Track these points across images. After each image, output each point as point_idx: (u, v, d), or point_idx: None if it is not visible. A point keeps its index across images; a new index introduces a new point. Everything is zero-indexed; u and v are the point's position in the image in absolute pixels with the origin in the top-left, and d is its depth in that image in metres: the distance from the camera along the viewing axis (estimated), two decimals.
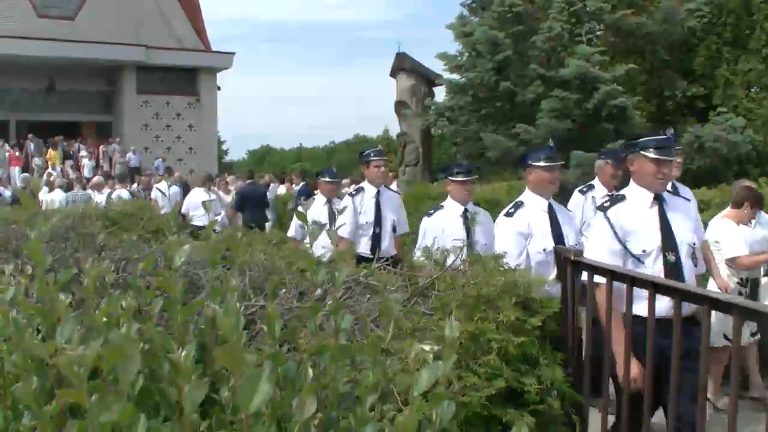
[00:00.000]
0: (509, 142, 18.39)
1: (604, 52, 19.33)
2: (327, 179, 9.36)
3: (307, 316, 2.03)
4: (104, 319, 2.00)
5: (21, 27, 34.11)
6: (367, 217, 8.21)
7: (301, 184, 17.52)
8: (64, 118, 36.66)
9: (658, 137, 4.59)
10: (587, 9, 19.58)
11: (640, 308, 3.82)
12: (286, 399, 1.68)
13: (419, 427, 1.58)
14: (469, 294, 3.59)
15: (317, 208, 8.75)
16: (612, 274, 3.99)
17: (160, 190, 16.60)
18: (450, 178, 6.79)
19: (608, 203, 4.67)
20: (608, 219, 4.51)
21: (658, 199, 4.55)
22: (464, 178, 6.67)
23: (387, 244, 8.14)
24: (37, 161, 28.16)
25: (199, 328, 2.15)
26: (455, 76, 21.43)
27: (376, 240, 8.12)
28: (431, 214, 6.85)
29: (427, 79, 24.22)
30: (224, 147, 68.58)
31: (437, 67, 23.18)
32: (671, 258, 4.42)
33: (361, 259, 6.77)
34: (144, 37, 36.88)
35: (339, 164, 58.13)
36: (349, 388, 1.82)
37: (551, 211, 5.55)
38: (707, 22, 23.39)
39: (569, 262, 4.21)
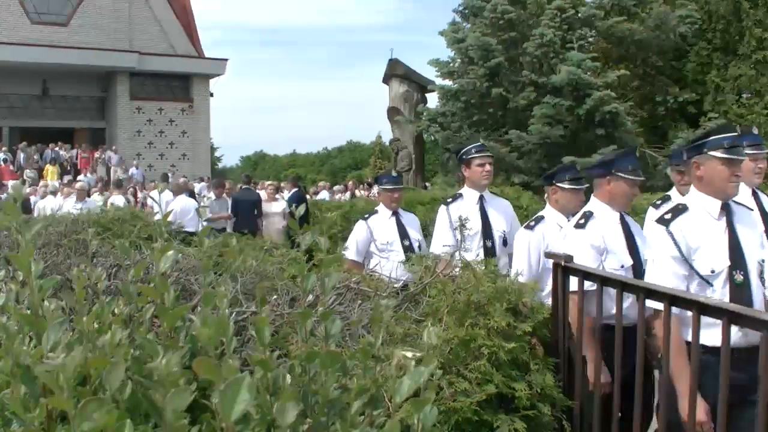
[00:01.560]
0: (501, 148, 18.41)
1: (596, 59, 19.39)
2: (388, 186, 7.44)
3: (297, 322, 2.04)
4: (95, 325, 2.01)
5: (14, 33, 34.16)
6: (471, 228, 6.19)
7: (293, 190, 17.35)
8: (57, 125, 36.65)
9: (729, 134, 4.00)
10: (579, 15, 19.64)
11: (706, 337, 3.43)
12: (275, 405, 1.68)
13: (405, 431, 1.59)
14: (459, 300, 3.60)
15: (382, 224, 7.10)
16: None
17: (152, 198, 16.46)
18: (559, 184, 5.71)
19: (670, 215, 4.01)
20: (672, 234, 3.91)
21: (726, 209, 3.99)
22: (578, 186, 5.72)
23: (504, 262, 6.11)
24: (29, 173, 28.03)
25: (191, 334, 2.15)
26: (448, 83, 21.45)
27: (489, 255, 6.09)
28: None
29: (420, 86, 24.25)
30: (217, 153, 68.56)
31: (430, 73, 23.18)
32: (738, 278, 3.84)
33: None
34: (137, 44, 36.90)
35: (332, 170, 58.17)
36: (339, 393, 1.82)
37: (624, 223, 4.89)
38: (698, 29, 23.49)
39: (560, 268, 4.22)
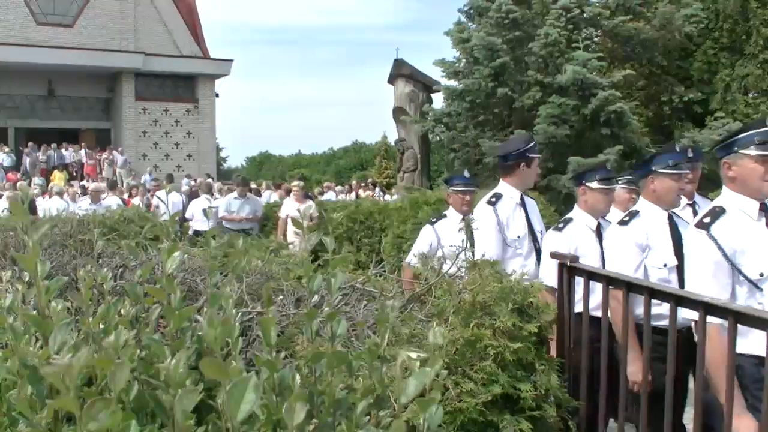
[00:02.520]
0: None
1: (602, 58, 19.39)
2: (459, 187, 6.98)
3: (303, 323, 2.04)
4: (101, 325, 2.01)
5: (20, 34, 34.27)
6: (517, 230, 5.82)
7: None
8: (62, 125, 36.81)
9: (760, 129, 3.81)
10: (584, 15, 19.64)
11: (748, 345, 3.34)
12: (282, 405, 1.68)
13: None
14: (465, 300, 3.60)
15: (451, 228, 6.60)
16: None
17: (160, 198, 16.39)
18: (588, 184, 5.58)
19: (708, 219, 3.79)
20: (714, 238, 3.69)
21: (764, 209, 3.79)
22: (608, 187, 5.60)
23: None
24: (37, 181, 27.94)
25: (197, 335, 2.16)
26: (453, 83, 21.47)
27: (539, 258, 5.72)
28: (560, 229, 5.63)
29: (425, 86, 24.27)
30: (223, 154, 68.60)
31: (435, 73, 23.21)
32: None
33: None
34: (142, 45, 36.97)
35: (338, 171, 58.16)
36: (345, 394, 1.82)
37: (672, 222, 4.73)
38: (704, 28, 23.49)
39: (565, 268, 4.21)
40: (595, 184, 5.46)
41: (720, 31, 26.28)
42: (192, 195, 17.76)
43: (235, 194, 14.52)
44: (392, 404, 2.49)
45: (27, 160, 31.14)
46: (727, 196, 3.89)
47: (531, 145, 5.86)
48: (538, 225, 5.86)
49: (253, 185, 19.89)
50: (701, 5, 22.47)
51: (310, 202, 13.30)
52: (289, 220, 12.44)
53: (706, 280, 3.67)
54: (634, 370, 4.18)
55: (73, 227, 5.55)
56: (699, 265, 3.77)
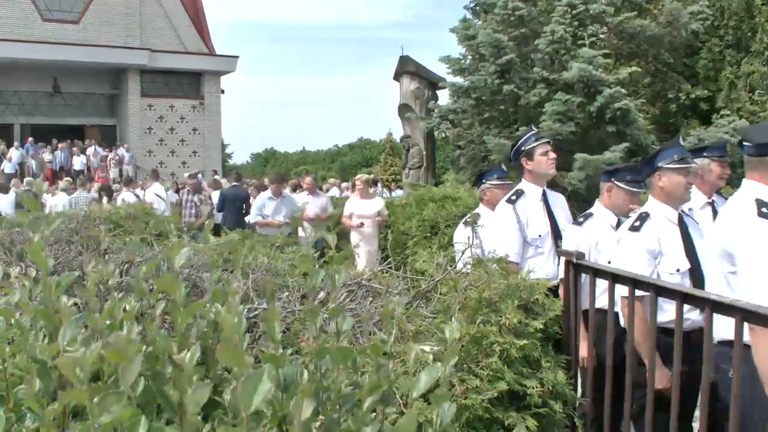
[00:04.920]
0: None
1: (608, 55, 19.34)
2: (495, 182, 6.86)
3: (308, 319, 2.04)
4: (107, 321, 2.02)
5: (25, 30, 34.30)
6: (538, 228, 5.64)
7: None
8: (68, 122, 36.87)
9: None
10: (590, 12, 19.57)
11: None
12: (287, 401, 1.69)
13: (420, 429, 1.59)
14: (471, 297, 3.60)
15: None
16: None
17: (158, 195, 16.25)
18: (618, 182, 5.45)
19: (766, 209, 3.60)
20: None
21: None
22: (636, 189, 5.46)
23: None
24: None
25: (201, 331, 2.16)
26: (459, 79, 21.43)
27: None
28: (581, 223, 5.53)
29: (431, 83, 24.23)
30: (228, 150, 68.66)
31: (441, 70, 23.18)
32: None
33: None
34: (148, 41, 36.99)
35: (343, 167, 58.16)
36: (350, 390, 1.82)
37: (682, 224, 4.64)
38: (710, 25, 23.42)
39: (571, 265, 4.21)
40: (623, 184, 5.38)
41: (726, 29, 26.29)
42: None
43: (268, 194, 12.51)
44: (398, 401, 2.49)
45: (33, 163, 31.10)
46: (757, 188, 3.73)
47: (523, 139, 5.83)
48: (565, 223, 5.73)
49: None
50: (707, 2, 22.41)
51: (378, 199, 12.27)
52: (354, 219, 11.57)
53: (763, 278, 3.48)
54: (661, 377, 4.12)
55: (79, 223, 5.57)
56: (761, 259, 3.53)
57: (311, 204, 12.65)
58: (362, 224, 11.49)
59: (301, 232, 8.83)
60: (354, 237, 11.64)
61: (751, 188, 3.77)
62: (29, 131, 34.99)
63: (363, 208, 11.67)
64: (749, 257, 3.60)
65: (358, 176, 12.70)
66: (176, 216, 11.94)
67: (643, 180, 5.04)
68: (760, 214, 3.61)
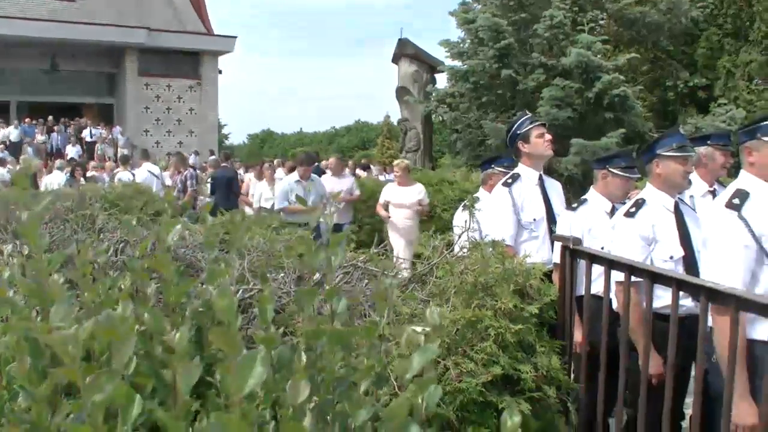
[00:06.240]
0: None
1: (607, 41, 19.33)
2: (502, 169, 7.03)
3: (303, 301, 2.03)
4: (99, 299, 2.00)
5: (24, 8, 34.11)
6: (533, 212, 5.67)
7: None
8: (65, 100, 36.71)
9: None
10: None
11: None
12: (281, 383, 1.68)
13: (411, 410, 1.58)
14: (467, 281, 3.59)
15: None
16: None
17: (153, 173, 16.07)
18: (612, 169, 5.45)
19: (737, 200, 3.74)
20: (745, 219, 3.65)
21: None
22: (630, 175, 5.48)
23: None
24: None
25: (196, 310, 2.15)
26: (457, 63, 21.41)
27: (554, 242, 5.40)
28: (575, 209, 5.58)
29: (429, 66, 24.21)
30: (225, 131, 68.53)
31: (440, 53, 23.16)
32: None
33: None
34: (146, 20, 36.80)
35: (340, 149, 58.09)
36: (345, 372, 1.82)
37: (678, 211, 4.64)
38: (709, 13, 23.40)
39: (567, 250, 4.21)
40: (618, 170, 5.40)
41: (725, 17, 26.24)
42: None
43: (295, 177, 11.23)
44: (392, 383, 2.49)
45: (30, 150, 30.89)
46: (747, 180, 3.85)
47: (518, 123, 5.84)
48: (560, 208, 5.74)
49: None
50: None
51: (417, 186, 11.13)
52: (392, 208, 10.80)
53: (731, 263, 3.63)
54: (654, 363, 4.12)
55: (75, 202, 5.55)
56: (725, 246, 3.70)
57: (336, 186, 11.65)
58: (389, 217, 10.79)
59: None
60: (391, 228, 10.80)
61: (741, 179, 3.90)
62: (26, 109, 34.89)
63: (401, 196, 10.82)
64: (712, 246, 3.81)
65: (397, 161, 11.69)
66: (170, 195, 11.86)
67: (637, 166, 5.05)
68: (728, 204, 3.74)
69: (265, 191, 13.59)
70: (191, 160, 24.43)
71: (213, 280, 2.09)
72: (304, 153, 12.90)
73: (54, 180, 16.31)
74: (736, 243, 3.64)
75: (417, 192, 10.86)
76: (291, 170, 15.37)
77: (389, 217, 10.80)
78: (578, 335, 4.50)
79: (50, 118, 33.21)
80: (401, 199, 10.75)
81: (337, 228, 9.93)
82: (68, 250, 2.23)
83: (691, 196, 5.70)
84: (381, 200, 11.02)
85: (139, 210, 6.32)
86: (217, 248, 2.65)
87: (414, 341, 1.71)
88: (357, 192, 12.28)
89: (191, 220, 5.12)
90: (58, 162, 18.93)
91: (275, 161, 20.41)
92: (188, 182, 15.03)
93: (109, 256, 3.68)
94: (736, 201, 3.73)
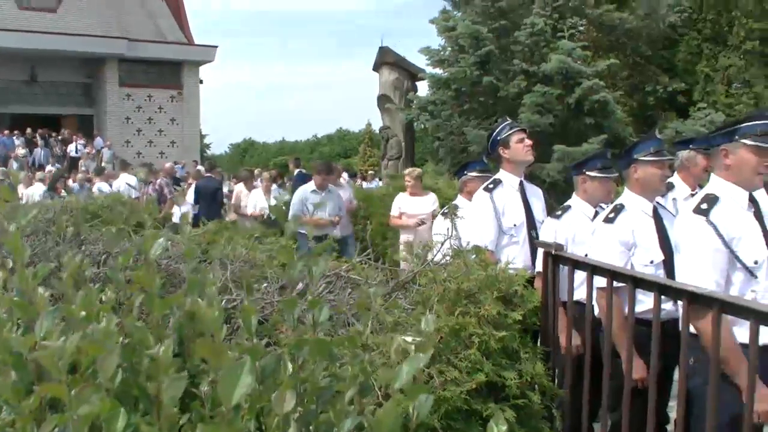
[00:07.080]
0: None
1: (586, 47, 19.40)
2: (477, 173, 7.01)
3: (286, 310, 2.03)
4: (83, 313, 2.00)
5: (2, 19, 33.93)
6: (514, 218, 5.70)
7: (296, 171, 16.20)
8: (45, 111, 36.48)
9: (762, 121, 3.80)
10: (570, 4, 19.63)
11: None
12: (265, 393, 1.68)
13: (398, 420, 1.59)
14: (450, 288, 3.60)
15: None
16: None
17: (130, 185, 15.96)
18: (589, 173, 5.47)
19: (705, 205, 3.79)
20: (713, 224, 3.69)
21: (752, 200, 3.83)
22: (608, 175, 5.47)
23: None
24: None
25: (178, 322, 2.14)
26: (438, 71, 21.43)
27: (535, 250, 5.38)
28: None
29: (410, 74, 24.20)
30: (206, 141, 68.37)
31: (420, 61, 23.14)
32: None
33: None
34: (126, 30, 36.70)
35: (322, 157, 58.09)
36: (328, 382, 1.82)
37: (657, 216, 4.65)
38: (688, 18, 23.55)
39: (550, 256, 4.22)
40: (594, 173, 5.40)
41: (703, 22, 26.42)
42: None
43: (311, 186, 10.61)
44: (376, 392, 2.49)
45: (15, 164, 30.58)
46: (718, 184, 3.89)
47: (498, 129, 5.88)
48: (540, 214, 5.78)
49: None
50: None
51: (431, 196, 10.38)
52: (405, 219, 9.92)
53: (703, 267, 3.67)
54: (637, 368, 4.10)
55: (56, 214, 5.52)
56: (696, 251, 3.75)
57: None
58: (422, 222, 9.68)
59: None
60: (404, 239, 9.65)
61: (711, 183, 3.97)
62: (7, 120, 34.65)
63: (415, 207, 10.00)
64: (683, 251, 3.88)
65: (409, 170, 10.77)
66: (150, 206, 11.81)
67: (614, 166, 5.14)
68: (696, 210, 3.80)
69: (260, 201, 13.45)
70: (179, 173, 24.32)
71: (194, 291, 2.09)
72: (322, 162, 12.31)
73: (34, 192, 16.23)
74: (706, 248, 3.69)
75: (431, 202, 10.12)
76: (274, 180, 15.30)
77: (416, 225, 9.76)
78: (564, 340, 4.51)
79: (28, 130, 32.88)
80: (415, 210, 9.98)
81: (342, 242, 9.79)
82: (53, 262, 2.22)
83: (674, 199, 5.82)
84: (394, 211, 10.20)
85: (123, 221, 6.28)
86: (198, 258, 2.65)
87: (403, 350, 1.71)
88: (355, 201, 12.10)
89: (172, 230, 5.10)
90: (38, 174, 18.81)
91: (266, 173, 20.18)
92: (165, 190, 14.98)
93: (92, 267, 3.67)
94: (704, 206, 3.77)
